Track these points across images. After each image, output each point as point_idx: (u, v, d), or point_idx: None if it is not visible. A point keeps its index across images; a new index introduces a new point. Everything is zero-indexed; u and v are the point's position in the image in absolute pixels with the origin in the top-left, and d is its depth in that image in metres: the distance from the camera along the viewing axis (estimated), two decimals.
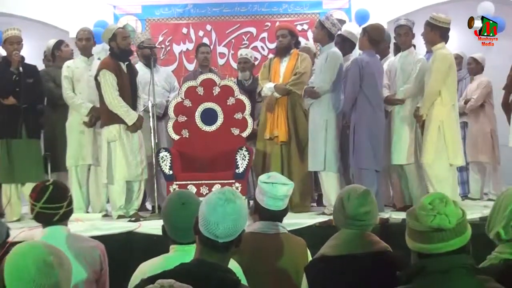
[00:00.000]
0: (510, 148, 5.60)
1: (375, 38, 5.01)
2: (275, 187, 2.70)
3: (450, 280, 1.79)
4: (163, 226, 2.35)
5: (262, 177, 2.78)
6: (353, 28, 5.77)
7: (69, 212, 2.75)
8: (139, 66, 5.84)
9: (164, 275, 1.84)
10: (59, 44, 5.88)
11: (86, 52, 5.53)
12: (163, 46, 7.82)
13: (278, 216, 2.76)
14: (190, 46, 7.95)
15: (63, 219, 2.75)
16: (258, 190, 2.75)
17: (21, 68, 5.24)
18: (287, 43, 5.55)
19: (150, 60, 5.58)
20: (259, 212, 2.76)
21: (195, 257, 1.90)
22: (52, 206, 2.72)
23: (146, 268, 2.25)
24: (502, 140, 6.11)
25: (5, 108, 5.24)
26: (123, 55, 5.23)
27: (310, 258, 2.75)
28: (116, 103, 5.09)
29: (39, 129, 5.49)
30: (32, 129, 5.32)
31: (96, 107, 5.33)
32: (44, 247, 1.75)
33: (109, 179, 5.14)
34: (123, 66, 5.23)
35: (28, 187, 5.33)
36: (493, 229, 2.14)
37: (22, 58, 5.32)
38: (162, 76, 6.06)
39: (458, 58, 6.33)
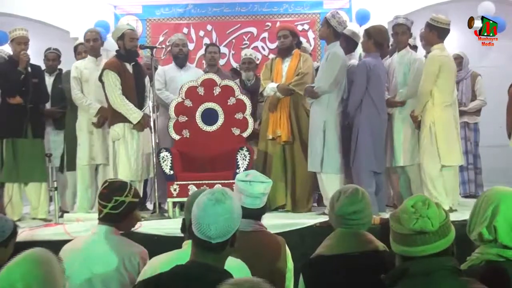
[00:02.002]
0: (510, 148, 5.62)
1: (380, 41, 5.03)
2: (252, 186, 2.70)
3: (433, 282, 1.79)
4: (183, 219, 2.35)
5: (240, 176, 2.78)
6: (354, 28, 5.77)
7: (115, 216, 2.72)
8: (171, 66, 6.00)
9: (159, 277, 1.86)
10: (75, 48, 6.01)
11: (94, 52, 5.56)
12: (163, 46, 7.83)
13: (255, 214, 2.75)
14: (191, 46, 7.95)
15: (107, 220, 2.74)
16: (235, 188, 2.75)
17: (29, 68, 5.30)
18: (289, 44, 5.55)
19: (179, 60, 5.97)
20: None
21: (190, 259, 1.91)
22: (100, 202, 2.76)
23: (158, 262, 2.25)
24: (497, 141, 6.19)
25: (11, 108, 5.28)
26: (128, 55, 5.26)
27: (289, 256, 2.76)
28: (118, 102, 5.12)
29: (43, 129, 5.54)
30: (37, 128, 5.37)
31: (104, 107, 5.36)
32: (35, 264, 1.75)
33: (114, 178, 5.18)
34: (129, 67, 5.26)
35: (31, 187, 5.36)
36: (474, 230, 2.13)
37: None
38: (193, 76, 5.95)
39: (459, 58, 6.34)
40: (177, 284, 1.80)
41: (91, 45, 5.55)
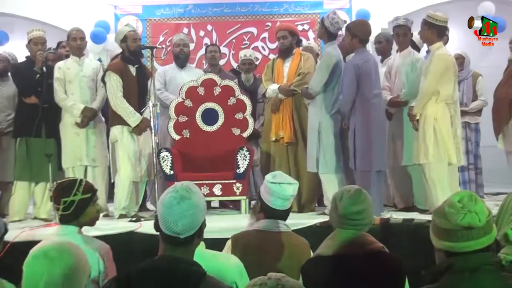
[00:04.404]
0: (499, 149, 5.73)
1: (365, 37, 4.98)
2: (283, 187, 2.74)
3: (478, 278, 1.78)
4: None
5: (268, 177, 2.80)
6: None
7: (69, 216, 2.75)
8: (171, 66, 6.03)
9: (130, 273, 1.87)
10: (58, 43, 6.02)
11: (80, 52, 5.47)
12: (163, 46, 7.83)
13: (283, 215, 2.80)
14: (191, 46, 7.94)
15: (64, 221, 2.77)
16: (265, 190, 2.77)
17: (44, 68, 5.32)
18: (289, 44, 5.53)
19: (180, 60, 5.97)
20: (264, 211, 2.78)
21: (159, 254, 1.93)
22: (53, 206, 2.79)
23: None
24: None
25: (26, 107, 5.35)
26: (132, 57, 5.26)
27: None
28: (118, 104, 5.13)
29: (58, 129, 5.45)
30: (51, 128, 5.37)
31: (88, 107, 5.33)
32: (61, 258, 1.82)
33: (116, 178, 5.21)
34: (132, 69, 5.26)
35: (40, 186, 5.36)
36: (500, 230, 2.12)
37: (46, 58, 5.44)
38: (192, 77, 5.94)
39: (460, 58, 6.33)
40: (149, 279, 1.83)
41: (78, 44, 5.43)
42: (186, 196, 1.87)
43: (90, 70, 5.45)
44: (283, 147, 5.42)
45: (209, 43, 7.61)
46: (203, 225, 1.94)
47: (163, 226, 1.88)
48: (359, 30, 4.96)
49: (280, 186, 2.73)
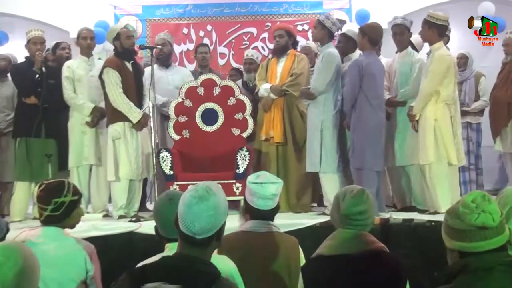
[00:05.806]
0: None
1: (375, 38, 5.00)
2: (264, 187, 2.72)
3: (492, 278, 1.78)
4: (155, 226, 2.37)
5: (251, 178, 2.79)
6: (355, 28, 5.77)
7: (57, 217, 2.73)
8: (156, 67, 5.92)
9: (145, 268, 1.87)
10: (57, 44, 5.94)
11: (89, 51, 5.49)
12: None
13: (269, 215, 2.78)
14: (191, 46, 7.95)
15: (49, 222, 2.75)
16: (247, 191, 2.77)
17: (43, 68, 5.33)
18: (284, 43, 5.54)
19: (160, 61, 5.95)
20: (249, 212, 2.78)
21: (176, 251, 1.93)
22: (39, 205, 2.77)
23: None
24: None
25: (26, 108, 5.34)
26: (127, 54, 5.25)
27: (302, 256, 2.77)
28: (119, 100, 5.11)
29: (58, 129, 5.45)
30: (50, 129, 5.36)
31: (98, 107, 5.34)
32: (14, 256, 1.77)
33: (115, 177, 5.17)
34: (128, 65, 5.25)
35: None
36: None
37: (45, 58, 5.44)
38: (178, 76, 6.02)
39: (464, 58, 6.34)
40: (162, 275, 1.82)
41: (88, 43, 5.45)
42: (205, 197, 1.85)
43: (98, 70, 5.44)
44: (273, 147, 5.43)
45: (208, 43, 7.60)
46: (222, 227, 1.92)
47: (181, 225, 1.87)
48: (368, 30, 5.01)
49: (261, 186, 2.71)
